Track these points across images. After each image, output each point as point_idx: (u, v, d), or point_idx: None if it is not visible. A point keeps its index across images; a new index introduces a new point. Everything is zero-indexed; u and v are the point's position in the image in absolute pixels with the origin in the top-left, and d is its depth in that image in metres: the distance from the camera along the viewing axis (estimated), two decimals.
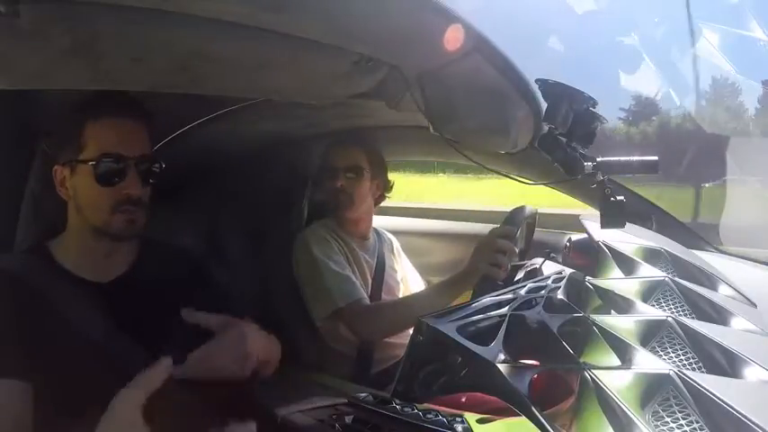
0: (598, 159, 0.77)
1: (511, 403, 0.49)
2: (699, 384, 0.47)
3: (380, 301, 1.31)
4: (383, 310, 1.25)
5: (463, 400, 0.85)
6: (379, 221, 1.44)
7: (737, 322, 0.64)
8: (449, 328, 0.53)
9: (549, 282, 0.72)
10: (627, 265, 0.80)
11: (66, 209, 0.82)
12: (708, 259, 0.90)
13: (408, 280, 1.47)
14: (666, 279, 0.71)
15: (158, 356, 0.77)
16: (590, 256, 0.94)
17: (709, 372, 0.54)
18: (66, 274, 0.78)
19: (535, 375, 0.52)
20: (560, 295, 0.67)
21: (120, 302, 0.78)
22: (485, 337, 0.54)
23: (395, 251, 1.49)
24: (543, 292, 0.67)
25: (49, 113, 0.86)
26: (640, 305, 0.66)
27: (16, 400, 0.68)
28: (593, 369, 0.52)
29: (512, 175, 1.44)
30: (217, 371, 0.69)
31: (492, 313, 0.59)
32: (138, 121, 0.80)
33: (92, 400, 0.67)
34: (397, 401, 0.78)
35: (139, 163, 0.79)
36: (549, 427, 0.46)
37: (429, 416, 0.76)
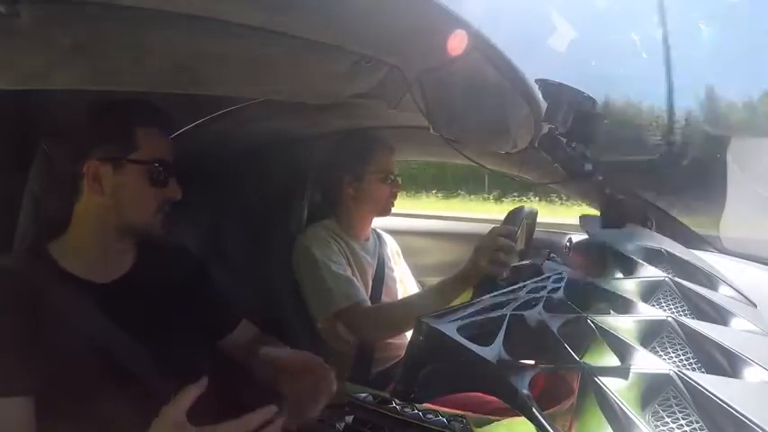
0: (598, 159, 0.77)
1: (511, 403, 0.49)
2: (699, 384, 0.47)
3: (381, 303, 1.31)
4: (384, 311, 1.25)
5: (463, 400, 0.85)
6: (377, 221, 1.44)
7: (738, 322, 0.64)
8: (449, 328, 0.53)
9: (549, 282, 0.72)
10: (627, 265, 0.80)
11: (70, 208, 0.81)
12: (708, 259, 0.90)
13: (406, 281, 1.47)
14: (666, 279, 0.71)
15: (156, 356, 0.77)
16: (590, 256, 0.94)
17: (710, 372, 0.53)
18: (68, 276, 0.78)
19: (535, 375, 0.52)
20: (560, 295, 0.67)
21: (121, 303, 0.77)
22: (485, 337, 0.53)
23: (394, 252, 1.49)
24: (543, 292, 0.67)
25: (49, 113, 0.86)
26: (640, 305, 0.66)
27: (18, 415, 0.68)
28: (593, 369, 0.52)
29: (512, 175, 1.45)
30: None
31: (492, 313, 0.59)
32: (170, 133, 0.87)
33: (94, 404, 0.67)
34: (397, 401, 0.78)
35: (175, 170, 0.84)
36: (549, 427, 0.45)
37: (429, 416, 0.76)
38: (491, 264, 1.02)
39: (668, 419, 0.46)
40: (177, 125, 1.14)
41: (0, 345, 0.68)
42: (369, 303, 1.23)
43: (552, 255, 1.07)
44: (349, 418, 0.78)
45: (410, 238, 1.81)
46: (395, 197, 1.35)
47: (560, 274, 0.76)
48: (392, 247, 1.50)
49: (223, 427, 0.61)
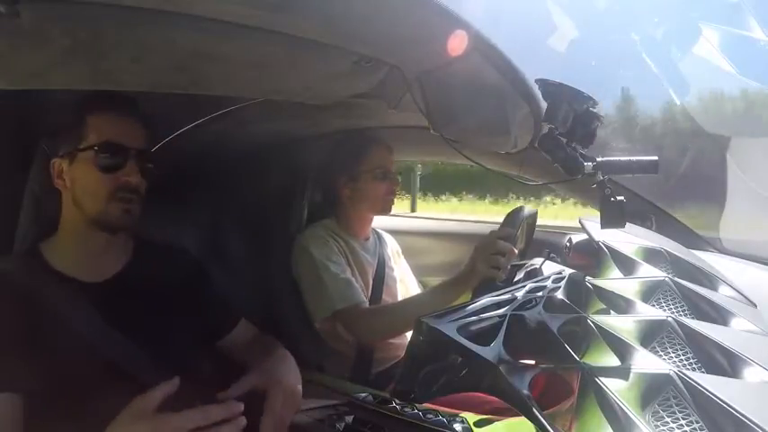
0: (598, 159, 0.77)
1: (511, 403, 0.49)
2: (699, 384, 0.47)
3: (379, 305, 1.31)
4: (382, 313, 1.25)
5: (463, 400, 0.85)
6: (377, 221, 1.44)
7: (738, 322, 0.64)
8: (449, 328, 0.53)
9: (549, 282, 0.72)
10: (627, 265, 0.80)
11: (60, 208, 0.81)
12: (708, 259, 0.90)
13: (406, 281, 1.47)
14: (666, 279, 0.71)
15: (153, 356, 0.77)
16: (590, 256, 0.94)
17: (709, 372, 0.54)
18: (58, 275, 0.78)
19: (535, 375, 0.52)
20: (560, 295, 0.67)
21: (114, 302, 0.77)
22: (485, 337, 0.53)
23: (394, 252, 1.49)
24: (543, 292, 0.67)
25: (49, 113, 0.86)
26: (640, 305, 0.66)
27: (6, 414, 0.68)
28: (593, 369, 0.52)
29: (512, 175, 1.45)
30: None
31: (492, 313, 0.59)
32: (137, 118, 0.83)
33: (87, 403, 0.66)
34: (397, 401, 0.78)
35: (138, 155, 0.81)
36: (549, 427, 0.46)
37: (429, 416, 0.76)
38: (490, 268, 1.02)
39: (668, 419, 0.46)
40: (177, 125, 1.14)
41: None
42: (367, 304, 1.23)
43: (552, 255, 1.07)
44: (349, 418, 0.78)
45: (411, 238, 1.81)
46: (393, 194, 1.35)
47: (560, 273, 0.76)
48: (392, 247, 1.50)
49: (183, 414, 0.61)
